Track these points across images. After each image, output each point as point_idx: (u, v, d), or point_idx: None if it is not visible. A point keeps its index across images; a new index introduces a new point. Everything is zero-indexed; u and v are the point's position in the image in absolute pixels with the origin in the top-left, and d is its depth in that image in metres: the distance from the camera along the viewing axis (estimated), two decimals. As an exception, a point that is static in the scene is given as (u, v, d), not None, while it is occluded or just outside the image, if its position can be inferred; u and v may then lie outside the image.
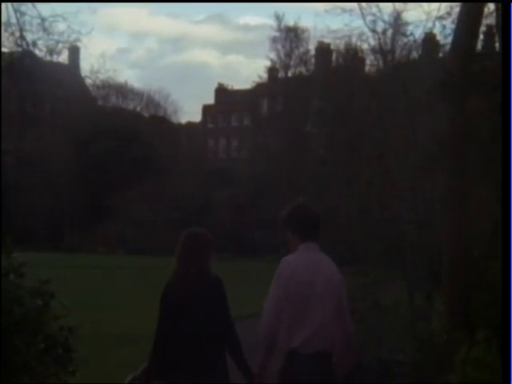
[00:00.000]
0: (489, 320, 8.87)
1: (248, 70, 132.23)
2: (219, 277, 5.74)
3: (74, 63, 73.83)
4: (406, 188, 17.86)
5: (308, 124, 55.77)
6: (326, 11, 25.91)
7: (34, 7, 17.45)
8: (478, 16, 10.72)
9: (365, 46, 35.50)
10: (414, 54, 25.47)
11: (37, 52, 19.58)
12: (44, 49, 18.87)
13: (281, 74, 65.25)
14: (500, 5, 8.74)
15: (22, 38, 17.74)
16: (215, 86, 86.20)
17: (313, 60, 63.60)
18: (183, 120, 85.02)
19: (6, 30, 17.54)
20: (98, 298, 24.16)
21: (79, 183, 60.87)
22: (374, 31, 24.57)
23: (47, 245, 52.59)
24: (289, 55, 63.69)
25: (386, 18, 26.44)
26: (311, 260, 5.51)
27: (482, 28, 12.03)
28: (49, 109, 68.10)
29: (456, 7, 12.90)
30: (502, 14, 7.90)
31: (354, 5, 22.37)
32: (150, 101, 78.65)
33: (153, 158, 61.86)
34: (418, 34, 23.44)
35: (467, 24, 10.57)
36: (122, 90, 77.37)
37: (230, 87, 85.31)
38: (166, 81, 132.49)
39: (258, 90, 66.29)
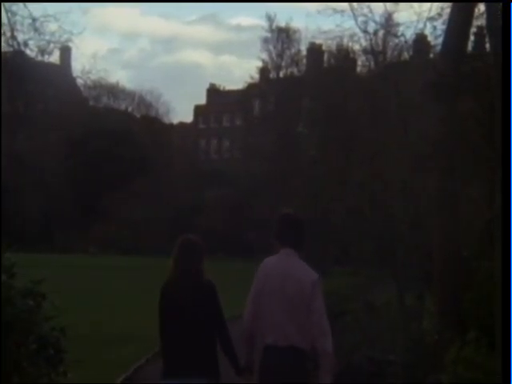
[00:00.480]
0: (479, 320, 8.90)
1: (240, 71, 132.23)
2: (211, 280, 6.15)
3: (66, 63, 73.65)
4: (398, 188, 17.90)
5: (300, 124, 55.79)
6: (318, 12, 26.02)
7: (26, 7, 17.33)
8: (469, 17, 10.77)
9: (356, 47, 35.54)
10: (406, 55, 25.49)
11: (28, 52, 19.49)
12: (35, 49, 18.78)
13: (272, 75, 65.23)
14: (490, 5, 8.77)
15: (13, 38, 17.65)
16: (207, 86, 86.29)
17: (304, 61, 63.65)
18: (175, 120, 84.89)
19: (-4, 30, 17.46)
20: (88, 298, 24.12)
21: (71, 183, 60.76)
22: (365, 32, 24.61)
23: (38, 245, 52.42)
24: (280, 56, 63.71)
25: (378, 18, 26.38)
26: (285, 264, 5.97)
27: (473, 29, 12.08)
28: (40, 109, 67.92)
29: (447, 8, 12.95)
30: (502, 14, 7.92)
31: (346, 6, 22.39)
32: (141, 101, 78.55)
33: (144, 159, 61.80)
34: (409, 34, 23.54)
35: (458, 25, 10.62)
36: (114, 91, 77.24)
37: (221, 87, 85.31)
38: (157, 81, 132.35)
39: (250, 90, 66.28)
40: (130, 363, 13.23)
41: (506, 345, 6.66)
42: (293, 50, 63.53)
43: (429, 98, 11.61)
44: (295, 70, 63.34)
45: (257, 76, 66.45)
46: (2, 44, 18.21)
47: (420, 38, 22.26)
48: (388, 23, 28.25)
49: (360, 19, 22.98)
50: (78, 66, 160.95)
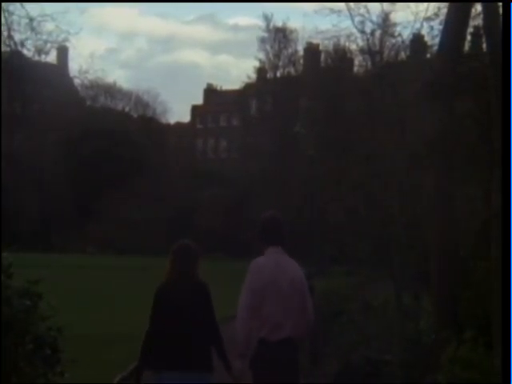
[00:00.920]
0: (476, 320, 8.92)
1: (237, 71, 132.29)
2: (205, 282, 6.59)
3: (63, 63, 73.50)
4: (394, 188, 17.91)
5: (297, 124, 55.81)
6: (315, 12, 26.04)
7: (23, 7, 17.30)
8: (466, 17, 10.78)
9: (353, 47, 35.57)
10: (402, 55, 25.53)
11: (25, 52, 19.52)
12: (32, 49, 18.79)
13: (270, 75, 65.23)
14: (487, 5, 8.78)
15: (10, 37, 17.63)
16: (204, 86, 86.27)
17: (301, 60, 63.66)
18: (172, 120, 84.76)
19: (-7, 30, 17.41)
20: (86, 298, 24.11)
21: (68, 183, 60.71)
22: (362, 32, 24.69)
23: (36, 245, 52.37)
24: (277, 56, 63.72)
25: (375, 18, 26.48)
26: (276, 261, 6.37)
27: (470, 29, 12.09)
28: (37, 109, 67.82)
29: (444, 8, 12.96)
30: (502, 14, 7.94)
31: (343, 5, 22.50)
32: (138, 101, 78.44)
33: (142, 159, 61.77)
34: (406, 34, 23.46)
35: (455, 25, 10.63)
36: (111, 91, 77.13)
37: (219, 87, 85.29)
38: (155, 81, 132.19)
39: (247, 90, 66.27)
40: (128, 363, 13.24)
41: (506, 344, 6.67)
42: (290, 50, 63.59)
43: (426, 98, 11.62)
44: (292, 70, 63.36)
45: (254, 76, 66.47)
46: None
47: (417, 38, 22.29)
48: (385, 23, 28.35)
49: (357, 19, 23.08)
50: (75, 65, 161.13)
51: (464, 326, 8.75)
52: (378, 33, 27.62)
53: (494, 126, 8.21)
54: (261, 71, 65.85)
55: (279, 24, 63.15)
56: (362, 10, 23.30)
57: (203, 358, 6.42)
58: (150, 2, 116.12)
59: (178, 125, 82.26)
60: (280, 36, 62.93)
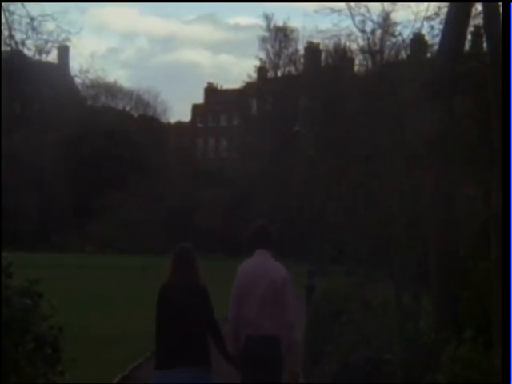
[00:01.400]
0: (476, 319, 8.92)
1: (238, 70, 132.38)
2: (204, 284, 6.88)
3: (64, 63, 73.53)
4: (394, 188, 17.90)
5: (297, 124, 55.83)
6: (315, 11, 26.05)
7: (23, 6, 17.28)
8: (466, 17, 10.77)
9: (354, 46, 35.71)
10: (403, 54, 25.51)
11: (26, 51, 19.51)
12: (33, 48, 18.79)
13: (270, 74, 65.27)
14: (487, 5, 8.78)
15: (11, 37, 17.62)
16: (205, 85, 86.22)
17: (302, 60, 63.69)
18: (172, 120, 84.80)
19: (-6, 30, 17.41)
20: (86, 298, 24.12)
21: (68, 183, 60.70)
22: (362, 31, 24.72)
23: (35, 245, 52.41)
24: (278, 55, 63.78)
25: (375, 18, 26.57)
26: (259, 264, 6.98)
27: (470, 29, 12.09)
28: (38, 109, 67.81)
29: (444, 8, 12.95)
30: (503, 14, 7.94)
31: (343, 5, 22.49)
32: (139, 100, 78.49)
33: (142, 158, 61.76)
34: (407, 34, 23.49)
35: (455, 25, 10.62)
36: (112, 90, 77.18)
37: (219, 87, 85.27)
38: (155, 80, 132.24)
39: (248, 89, 66.28)
40: (128, 363, 13.25)
41: (506, 344, 6.67)
42: (290, 50, 63.68)
43: (426, 98, 11.60)
44: (293, 69, 63.42)
45: (254, 75, 66.51)
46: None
47: (417, 38, 22.26)
48: (385, 22, 28.38)
49: (357, 18, 23.09)
50: (75, 65, 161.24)
51: (464, 326, 8.75)
52: (378, 32, 27.72)
53: (494, 126, 8.20)
54: (261, 70, 65.89)
55: (280, 23, 63.36)
56: (363, 10, 23.31)
57: (203, 356, 6.67)
58: (151, 1, 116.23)
59: (179, 124, 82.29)
60: (280, 35, 63.00)
